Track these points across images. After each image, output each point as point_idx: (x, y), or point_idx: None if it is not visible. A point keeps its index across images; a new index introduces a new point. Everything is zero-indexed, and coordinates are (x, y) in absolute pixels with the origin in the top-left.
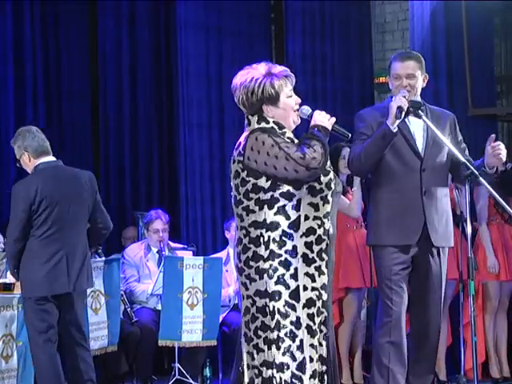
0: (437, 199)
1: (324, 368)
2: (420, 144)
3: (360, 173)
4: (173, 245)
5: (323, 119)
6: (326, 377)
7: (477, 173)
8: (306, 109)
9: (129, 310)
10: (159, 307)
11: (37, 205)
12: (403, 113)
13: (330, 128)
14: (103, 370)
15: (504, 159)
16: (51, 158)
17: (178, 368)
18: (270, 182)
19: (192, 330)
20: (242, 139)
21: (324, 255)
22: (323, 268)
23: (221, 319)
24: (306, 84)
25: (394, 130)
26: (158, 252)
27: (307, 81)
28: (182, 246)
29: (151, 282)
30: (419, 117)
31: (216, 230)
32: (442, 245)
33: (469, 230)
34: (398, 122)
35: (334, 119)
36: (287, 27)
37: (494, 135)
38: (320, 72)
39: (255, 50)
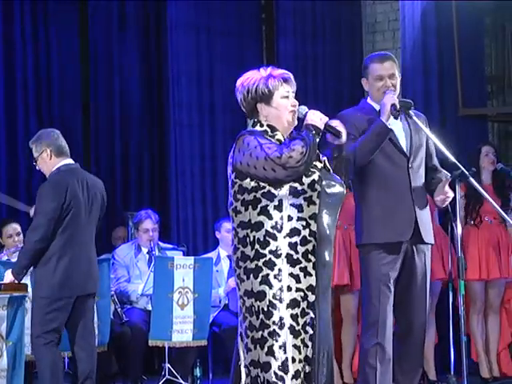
0: (421, 197)
1: (309, 369)
2: (403, 142)
3: (351, 172)
4: (163, 245)
5: (315, 118)
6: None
7: (467, 173)
8: (303, 108)
9: (119, 310)
10: (149, 307)
11: (67, 204)
12: (397, 110)
13: (322, 127)
14: None
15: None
16: (71, 161)
17: (168, 368)
18: (253, 183)
19: (182, 330)
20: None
21: (311, 256)
22: (309, 269)
23: (211, 319)
24: (297, 84)
25: (390, 127)
26: (148, 252)
27: (298, 81)
28: (171, 246)
29: (142, 283)
30: (410, 117)
31: (207, 231)
32: (430, 241)
33: (459, 229)
34: (390, 119)
35: (326, 118)
36: (278, 27)
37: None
38: (311, 72)
39: (246, 51)
